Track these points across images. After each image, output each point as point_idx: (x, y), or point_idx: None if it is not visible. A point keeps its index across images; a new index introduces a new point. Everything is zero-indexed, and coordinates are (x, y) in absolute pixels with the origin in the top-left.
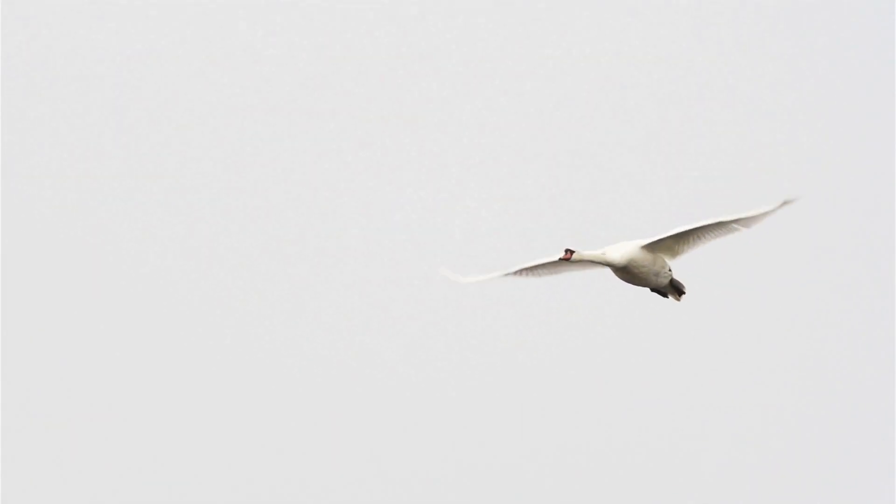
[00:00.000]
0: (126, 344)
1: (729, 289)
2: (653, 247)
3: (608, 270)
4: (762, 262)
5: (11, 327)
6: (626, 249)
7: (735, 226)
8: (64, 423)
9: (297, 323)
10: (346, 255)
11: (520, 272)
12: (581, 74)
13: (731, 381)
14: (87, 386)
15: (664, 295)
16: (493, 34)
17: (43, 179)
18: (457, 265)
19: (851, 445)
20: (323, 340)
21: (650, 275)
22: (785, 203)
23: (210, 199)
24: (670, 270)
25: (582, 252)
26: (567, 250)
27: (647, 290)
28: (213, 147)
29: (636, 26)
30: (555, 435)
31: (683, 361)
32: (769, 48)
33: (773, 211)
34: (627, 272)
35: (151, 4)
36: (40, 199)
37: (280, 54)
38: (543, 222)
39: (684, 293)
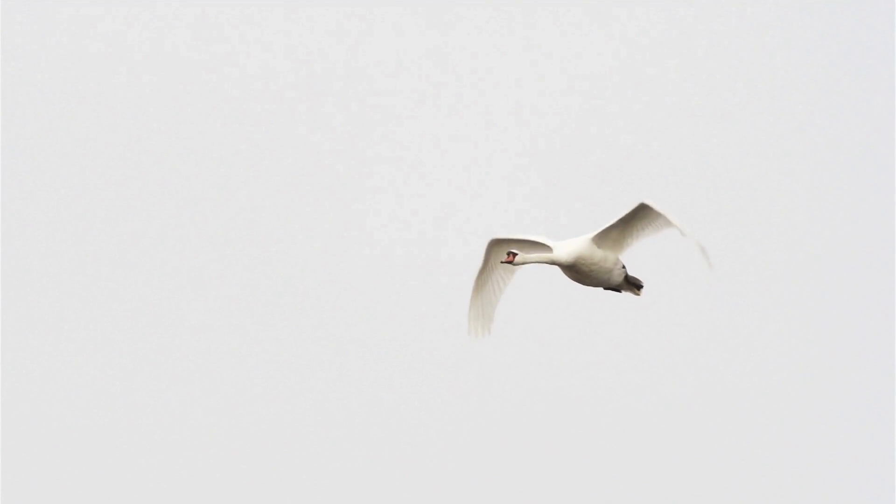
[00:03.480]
0: (125, 345)
1: (686, 281)
2: (601, 240)
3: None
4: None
5: (10, 328)
6: (573, 247)
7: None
8: (62, 425)
9: (286, 328)
10: (320, 264)
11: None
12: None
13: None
14: (85, 388)
15: (619, 291)
16: (461, 40)
17: (40, 182)
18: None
19: (850, 446)
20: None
21: (602, 272)
22: (700, 250)
23: (205, 200)
24: (623, 267)
25: (526, 255)
26: (510, 253)
27: (601, 289)
28: (206, 148)
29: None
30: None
31: (648, 359)
32: (756, 49)
33: (683, 233)
34: (577, 271)
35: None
36: (38, 202)
37: (273, 63)
38: (507, 218)
39: (642, 287)
